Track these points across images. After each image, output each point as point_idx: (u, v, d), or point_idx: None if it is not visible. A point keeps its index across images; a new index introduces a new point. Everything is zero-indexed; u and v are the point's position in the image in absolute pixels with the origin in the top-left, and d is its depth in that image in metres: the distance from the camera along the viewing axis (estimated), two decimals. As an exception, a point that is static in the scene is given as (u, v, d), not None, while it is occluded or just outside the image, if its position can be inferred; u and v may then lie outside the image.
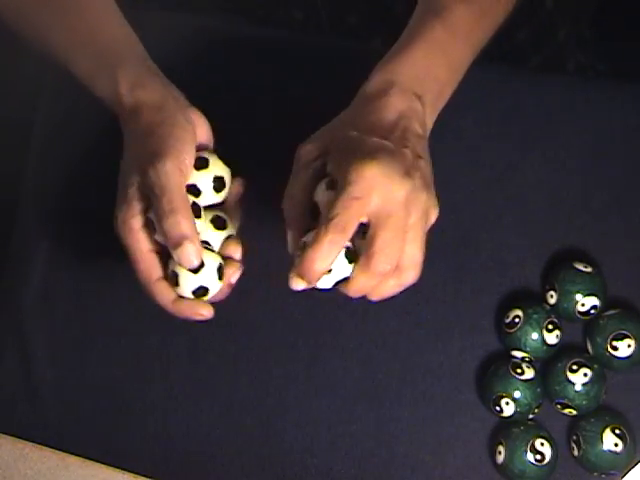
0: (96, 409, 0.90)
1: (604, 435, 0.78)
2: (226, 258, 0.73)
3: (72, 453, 0.88)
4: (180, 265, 0.69)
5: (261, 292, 0.88)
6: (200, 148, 0.74)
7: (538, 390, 0.80)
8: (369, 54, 0.93)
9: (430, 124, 0.73)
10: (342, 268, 0.68)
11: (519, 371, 0.80)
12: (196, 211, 0.70)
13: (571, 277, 0.81)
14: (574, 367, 0.79)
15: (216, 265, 0.71)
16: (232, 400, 0.87)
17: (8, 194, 0.99)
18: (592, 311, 0.81)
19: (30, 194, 0.97)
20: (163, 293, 0.71)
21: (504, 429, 0.81)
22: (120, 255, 0.92)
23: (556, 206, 0.86)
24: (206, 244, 0.72)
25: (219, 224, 0.73)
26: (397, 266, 0.67)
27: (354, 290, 0.68)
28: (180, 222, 0.68)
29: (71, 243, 0.94)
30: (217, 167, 0.73)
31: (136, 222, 0.70)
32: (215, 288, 0.71)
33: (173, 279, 0.70)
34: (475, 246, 0.86)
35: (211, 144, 0.76)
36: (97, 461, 0.87)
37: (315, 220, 0.69)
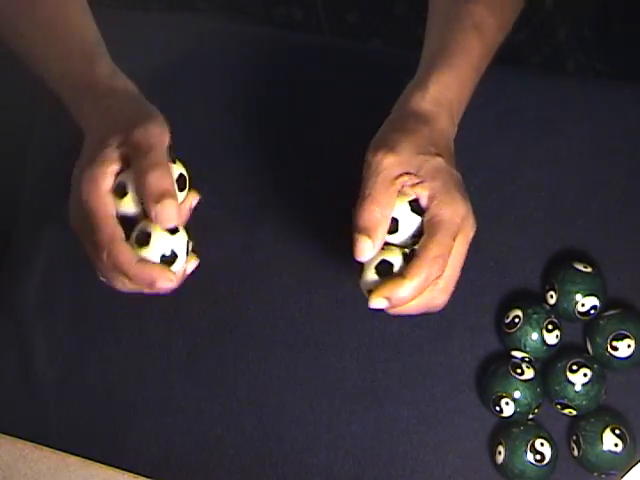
0: (96, 409, 0.90)
1: (604, 435, 0.78)
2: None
3: (72, 453, 0.88)
4: (155, 224, 0.68)
5: (261, 292, 0.88)
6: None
7: (538, 390, 0.80)
8: (369, 54, 0.93)
9: None
10: (409, 221, 0.68)
11: (519, 371, 0.80)
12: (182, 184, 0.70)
13: (571, 277, 0.81)
14: (574, 367, 0.79)
15: (186, 239, 0.70)
16: (232, 400, 0.87)
17: (8, 194, 0.99)
18: (592, 311, 0.81)
19: (30, 194, 0.97)
20: (126, 253, 0.69)
21: (504, 429, 0.81)
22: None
23: (556, 206, 0.86)
24: None
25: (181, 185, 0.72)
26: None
27: (398, 293, 0.67)
28: (164, 176, 0.67)
29: (71, 243, 0.94)
30: (179, 167, 0.72)
31: (105, 183, 0.69)
32: (182, 260, 0.69)
33: (142, 239, 0.68)
34: (475, 246, 0.86)
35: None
36: (97, 461, 0.87)
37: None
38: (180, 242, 0.69)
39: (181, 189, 0.72)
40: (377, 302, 0.67)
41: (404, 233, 0.69)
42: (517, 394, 0.79)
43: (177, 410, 0.88)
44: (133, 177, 0.68)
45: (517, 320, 0.81)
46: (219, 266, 0.89)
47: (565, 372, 0.79)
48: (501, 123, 0.88)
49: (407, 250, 0.69)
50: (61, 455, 0.88)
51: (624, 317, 0.80)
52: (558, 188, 0.86)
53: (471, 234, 0.70)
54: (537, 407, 0.80)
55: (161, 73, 0.94)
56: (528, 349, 0.81)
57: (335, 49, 0.95)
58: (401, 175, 0.68)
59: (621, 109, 0.87)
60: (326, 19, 1.06)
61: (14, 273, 0.95)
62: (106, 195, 0.69)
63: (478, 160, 0.88)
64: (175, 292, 0.90)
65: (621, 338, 0.79)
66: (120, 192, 0.69)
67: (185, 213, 0.72)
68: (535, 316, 0.80)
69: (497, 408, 0.80)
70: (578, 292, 0.80)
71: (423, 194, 0.69)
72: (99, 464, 0.87)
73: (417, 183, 0.69)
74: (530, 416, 0.81)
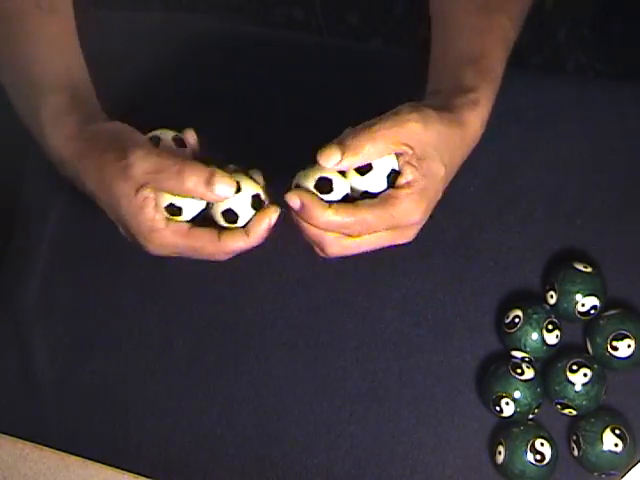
0: (96, 409, 0.90)
1: (604, 435, 0.78)
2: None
3: (72, 453, 0.88)
4: (227, 200, 0.68)
5: (261, 292, 0.88)
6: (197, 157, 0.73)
7: (538, 390, 0.80)
8: (369, 54, 0.93)
9: None
10: (379, 180, 0.68)
11: (519, 371, 0.80)
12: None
13: (571, 277, 0.81)
14: (574, 367, 0.79)
15: (252, 192, 0.69)
16: (232, 400, 0.87)
17: (8, 195, 0.99)
18: (592, 311, 0.81)
19: (30, 195, 0.97)
20: (234, 238, 0.69)
21: (504, 429, 0.81)
22: (120, 255, 0.93)
23: (556, 206, 0.86)
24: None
25: (256, 204, 0.70)
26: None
27: (313, 211, 0.67)
28: (196, 170, 0.67)
29: (71, 243, 0.94)
30: (249, 186, 0.71)
31: (159, 221, 0.69)
32: (247, 215, 0.69)
33: (230, 215, 0.68)
34: (475, 246, 0.86)
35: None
36: (97, 461, 0.87)
37: None
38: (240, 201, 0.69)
39: (257, 208, 0.70)
40: (292, 200, 0.67)
41: (366, 183, 0.68)
42: (517, 394, 0.79)
43: (177, 410, 0.88)
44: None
45: (517, 320, 0.81)
46: (219, 266, 0.89)
47: (565, 372, 0.79)
48: (501, 123, 0.88)
49: (350, 192, 0.69)
50: (61, 455, 0.88)
51: (624, 317, 0.80)
52: (558, 188, 0.86)
53: (403, 240, 0.70)
54: (537, 407, 0.80)
55: (161, 73, 0.94)
56: (528, 349, 0.81)
57: (335, 49, 0.95)
58: (410, 147, 0.68)
59: (621, 109, 0.87)
60: (326, 19, 1.06)
61: (14, 273, 0.95)
62: (170, 226, 0.69)
63: (478, 160, 0.87)
64: (175, 293, 0.90)
65: (621, 338, 0.79)
66: (175, 211, 0.69)
67: (260, 231, 0.70)
68: (535, 316, 0.80)
69: (497, 408, 0.80)
70: (578, 292, 0.80)
71: (407, 175, 0.68)
72: (99, 464, 0.87)
73: (411, 165, 0.68)
74: (530, 416, 0.81)
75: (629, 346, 0.79)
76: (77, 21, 0.82)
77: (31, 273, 0.93)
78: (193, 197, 0.69)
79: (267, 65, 0.94)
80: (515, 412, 0.80)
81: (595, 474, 0.80)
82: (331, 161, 0.66)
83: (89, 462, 0.87)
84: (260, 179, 0.72)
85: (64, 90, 0.76)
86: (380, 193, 0.68)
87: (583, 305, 0.80)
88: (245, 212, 0.70)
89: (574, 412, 0.80)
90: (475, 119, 0.72)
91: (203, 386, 0.88)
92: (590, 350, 0.81)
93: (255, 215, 0.70)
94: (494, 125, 0.88)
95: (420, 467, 0.83)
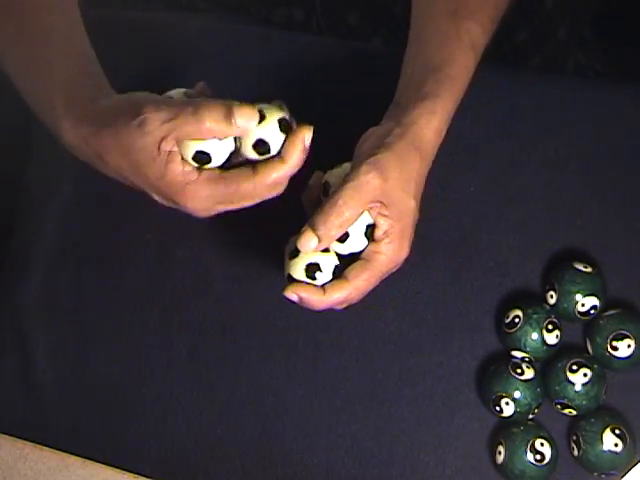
0: (96, 409, 0.90)
1: (604, 435, 0.78)
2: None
3: (72, 453, 0.88)
4: (251, 132, 0.67)
5: (261, 292, 0.88)
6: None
7: (538, 390, 0.80)
8: (369, 54, 0.93)
9: None
10: (358, 240, 0.71)
11: (519, 371, 0.80)
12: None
13: (571, 277, 0.81)
14: (574, 367, 0.79)
15: (278, 116, 0.68)
16: (232, 400, 0.87)
17: (8, 195, 0.99)
18: (592, 311, 0.81)
19: (30, 194, 0.97)
20: (271, 166, 0.68)
21: (504, 429, 0.81)
22: (120, 255, 0.93)
23: (556, 206, 0.86)
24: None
25: (284, 127, 0.69)
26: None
27: (311, 301, 0.71)
28: (213, 106, 0.66)
29: (71, 243, 0.94)
30: (273, 112, 0.69)
31: (191, 173, 0.68)
32: (278, 141, 0.68)
33: (261, 145, 0.67)
34: (475, 246, 0.86)
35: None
36: (97, 461, 0.87)
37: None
38: (269, 129, 0.68)
39: (283, 130, 0.69)
40: (290, 295, 0.71)
41: (348, 248, 0.72)
42: (517, 394, 0.79)
43: (177, 410, 0.88)
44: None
45: (517, 320, 0.81)
46: (219, 266, 0.89)
47: (565, 372, 0.79)
48: (501, 123, 0.88)
49: (338, 262, 0.72)
50: (61, 455, 0.88)
51: (624, 317, 0.80)
52: (558, 188, 0.86)
53: (388, 273, 0.73)
54: (537, 407, 0.80)
55: (161, 73, 0.94)
56: (528, 349, 0.81)
57: (335, 49, 0.95)
58: (376, 202, 0.70)
59: (621, 109, 0.87)
60: (326, 19, 1.06)
61: (14, 273, 0.95)
62: (202, 174, 0.68)
63: (478, 160, 0.88)
64: (175, 293, 0.90)
65: (621, 338, 0.79)
66: (203, 159, 0.68)
67: (299, 152, 0.69)
68: (535, 316, 0.80)
69: (497, 408, 0.80)
70: (578, 292, 0.80)
71: (382, 226, 0.71)
72: (99, 464, 0.87)
73: (383, 215, 0.71)
74: (530, 416, 0.81)
75: (629, 346, 0.79)
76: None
77: (31, 272, 0.93)
78: (218, 139, 0.67)
79: (267, 65, 0.94)
80: (515, 412, 0.80)
81: (595, 474, 0.80)
82: (311, 245, 0.69)
83: (89, 462, 0.87)
84: (282, 106, 0.70)
85: (77, 82, 0.75)
86: (363, 250, 0.72)
87: (583, 305, 0.80)
88: (276, 139, 0.68)
89: (574, 412, 0.80)
90: (428, 131, 0.73)
91: (203, 386, 0.88)
92: (590, 350, 0.81)
93: (287, 139, 0.68)
94: (494, 125, 0.89)
95: (420, 467, 0.83)
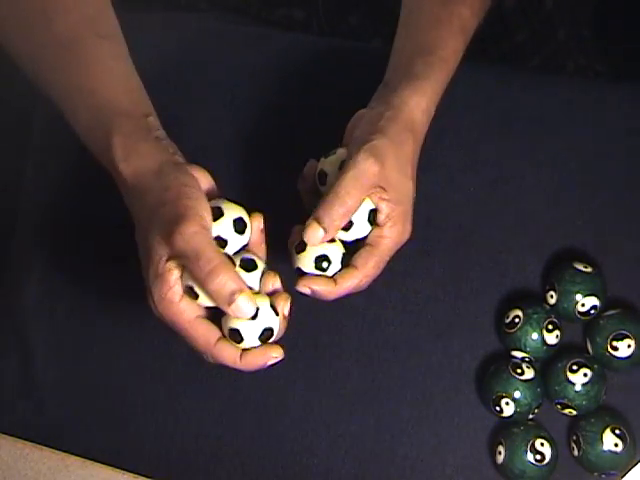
0: (96, 409, 0.90)
1: (604, 435, 0.78)
2: (270, 294, 0.70)
3: (72, 453, 0.88)
4: (238, 318, 0.67)
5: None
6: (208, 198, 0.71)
7: (538, 390, 0.80)
8: (369, 54, 0.93)
9: None
10: (362, 227, 0.72)
11: (519, 371, 0.80)
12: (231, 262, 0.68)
13: (571, 277, 0.81)
14: (574, 367, 0.79)
15: (267, 303, 0.69)
16: (232, 400, 0.87)
17: (8, 195, 0.99)
18: (592, 311, 0.81)
19: (30, 195, 0.97)
20: (228, 352, 0.69)
21: (504, 429, 0.81)
22: (120, 255, 0.92)
23: (556, 206, 0.86)
24: None
25: (250, 266, 0.70)
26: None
27: (324, 292, 0.71)
28: (226, 280, 0.66)
29: (71, 244, 0.94)
30: (232, 210, 0.71)
31: (175, 294, 0.68)
32: (277, 325, 0.69)
33: (235, 335, 0.68)
34: (475, 246, 0.86)
35: (215, 190, 0.73)
36: (97, 461, 0.87)
37: None
38: (266, 316, 0.69)
39: (241, 232, 0.71)
40: (303, 289, 0.71)
41: (353, 235, 0.73)
42: (517, 394, 0.79)
43: (177, 410, 0.88)
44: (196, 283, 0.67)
45: (517, 320, 0.81)
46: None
47: (565, 372, 0.79)
48: (501, 123, 0.88)
49: (344, 251, 0.73)
50: (61, 455, 0.88)
51: (624, 317, 0.80)
52: (558, 188, 0.86)
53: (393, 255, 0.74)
54: (537, 407, 0.80)
55: (161, 73, 0.94)
56: (528, 349, 0.81)
57: (335, 49, 0.95)
58: (376, 187, 0.71)
59: (621, 109, 0.87)
60: (327, 20, 1.06)
61: (14, 274, 0.95)
62: (179, 303, 0.68)
63: (478, 160, 0.88)
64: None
65: (621, 338, 0.79)
66: (191, 294, 0.68)
67: (283, 325, 0.70)
68: (535, 316, 0.80)
69: (497, 408, 0.80)
70: (578, 292, 0.80)
71: (384, 211, 0.72)
72: (99, 464, 0.87)
73: (383, 199, 0.72)
74: (530, 416, 0.81)
75: (629, 346, 0.79)
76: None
77: (31, 273, 0.93)
78: None
79: (267, 65, 0.94)
80: (515, 412, 0.80)
81: (595, 474, 0.80)
82: (317, 237, 0.70)
83: (89, 462, 0.87)
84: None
85: (132, 115, 0.74)
86: (367, 235, 0.73)
87: (583, 305, 0.80)
88: (253, 333, 0.69)
89: (574, 412, 0.80)
90: (419, 113, 0.74)
91: (203, 386, 0.88)
92: (590, 350, 0.81)
93: (259, 348, 0.69)
94: (494, 125, 0.89)
95: (420, 467, 0.83)
